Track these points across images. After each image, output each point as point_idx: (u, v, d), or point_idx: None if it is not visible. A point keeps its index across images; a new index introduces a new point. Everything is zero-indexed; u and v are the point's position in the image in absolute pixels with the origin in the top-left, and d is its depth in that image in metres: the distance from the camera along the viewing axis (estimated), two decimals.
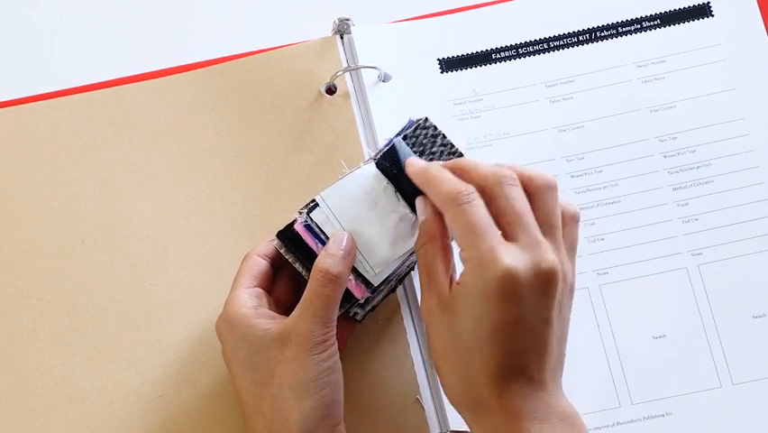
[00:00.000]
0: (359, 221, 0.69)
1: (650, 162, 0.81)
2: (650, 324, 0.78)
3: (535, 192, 0.66)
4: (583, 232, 0.79)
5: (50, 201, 0.80)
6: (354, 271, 0.68)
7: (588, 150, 0.81)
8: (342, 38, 0.84)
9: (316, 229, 0.69)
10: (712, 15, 0.84)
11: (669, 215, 0.80)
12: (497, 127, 0.82)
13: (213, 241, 0.79)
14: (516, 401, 0.62)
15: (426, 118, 0.72)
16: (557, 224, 0.66)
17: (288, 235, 0.70)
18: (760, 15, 0.84)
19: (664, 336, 0.77)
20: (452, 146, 0.71)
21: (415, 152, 0.70)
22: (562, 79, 0.83)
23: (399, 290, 0.78)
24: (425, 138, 0.71)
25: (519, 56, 0.84)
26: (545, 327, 0.63)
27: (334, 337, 0.66)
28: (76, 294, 0.78)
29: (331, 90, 0.82)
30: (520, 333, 0.62)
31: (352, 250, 0.68)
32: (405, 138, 0.71)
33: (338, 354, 0.67)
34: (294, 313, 0.67)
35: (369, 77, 0.83)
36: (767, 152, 0.81)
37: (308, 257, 0.69)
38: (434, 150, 0.71)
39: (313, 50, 0.83)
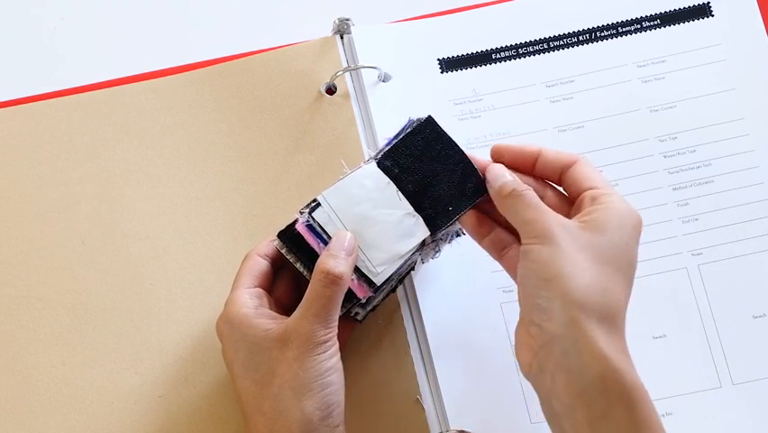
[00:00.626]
0: (361, 220, 0.69)
1: (650, 162, 0.81)
2: (650, 324, 0.78)
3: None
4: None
5: (50, 201, 0.80)
6: (356, 270, 0.68)
7: (588, 150, 0.81)
8: (342, 38, 0.84)
9: (318, 229, 0.69)
10: (712, 15, 0.84)
11: (669, 215, 0.80)
12: (497, 127, 0.82)
13: (213, 241, 0.79)
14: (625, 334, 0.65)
15: (430, 117, 0.72)
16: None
17: (289, 236, 0.70)
18: (760, 15, 0.84)
19: (664, 336, 0.77)
20: (456, 145, 0.71)
21: (415, 154, 0.71)
22: (562, 79, 0.83)
23: (399, 289, 0.78)
24: (429, 136, 0.71)
25: (519, 56, 0.84)
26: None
27: (336, 338, 0.67)
28: (76, 294, 0.78)
29: (331, 90, 0.82)
30: (634, 274, 0.67)
31: (354, 250, 0.68)
32: (408, 136, 0.71)
33: (339, 354, 0.67)
34: (295, 313, 0.67)
35: (369, 77, 0.83)
36: (767, 151, 0.81)
37: (310, 257, 0.69)
38: (437, 147, 0.71)
39: (313, 50, 0.83)
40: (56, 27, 0.88)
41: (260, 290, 0.70)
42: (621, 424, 0.61)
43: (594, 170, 0.70)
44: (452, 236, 0.74)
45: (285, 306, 0.71)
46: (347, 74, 0.83)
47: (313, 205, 0.69)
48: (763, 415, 0.76)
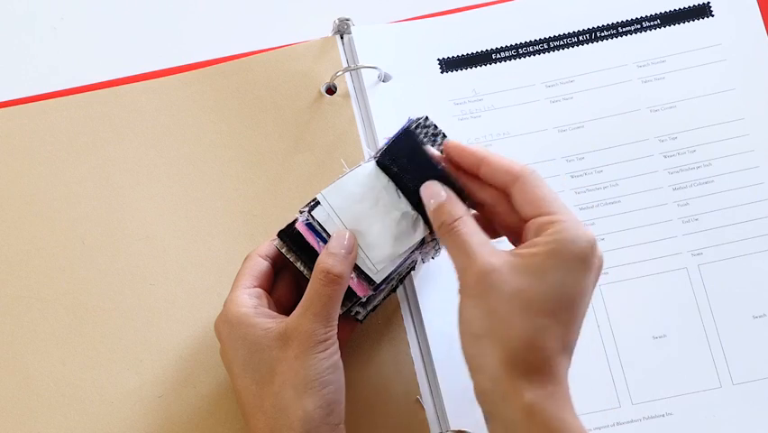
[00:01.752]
0: (360, 219, 0.69)
1: (650, 162, 0.81)
2: (650, 324, 0.78)
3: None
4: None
5: (50, 201, 0.80)
6: (356, 268, 0.68)
7: (588, 150, 0.81)
8: (342, 38, 0.84)
9: (318, 228, 0.69)
10: (712, 15, 0.84)
11: (669, 215, 0.80)
12: (497, 127, 0.82)
13: (213, 241, 0.79)
14: (563, 377, 0.63)
15: (426, 117, 0.72)
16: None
17: (289, 234, 0.70)
18: (760, 15, 0.84)
19: (664, 336, 0.77)
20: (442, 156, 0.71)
21: (414, 152, 0.70)
22: (562, 79, 0.83)
23: (399, 290, 0.78)
24: (426, 136, 0.71)
25: (519, 56, 0.84)
26: (587, 302, 0.65)
27: (336, 336, 0.67)
28: (76, 294, 0.78)
29: (331, 90, 0.82)
30: (585, 307, 0.64)
31: (353, 248, 0.68)
32: (407, 135, 0.71)
33: (339, 352, 0.67)
34: (295, 312, 0.67)
35: (369, 77, 0.83)
36: (767, 151, 0.81)
37: (310, 256, 0.69)
38: (435, 145, 0.71)
39: (313, 50, 0.83)
40: (56, 27, 0.88)
41: (260, 289, 0.70)
42: None
43: (539, 188, 0.65)
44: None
45: (285, 306, 0.71)
46: (347, 74, 0.83)
47: (312, 204, 0.69)
48: (763, 415, 0.76)
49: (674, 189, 0.80)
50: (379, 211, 0.69)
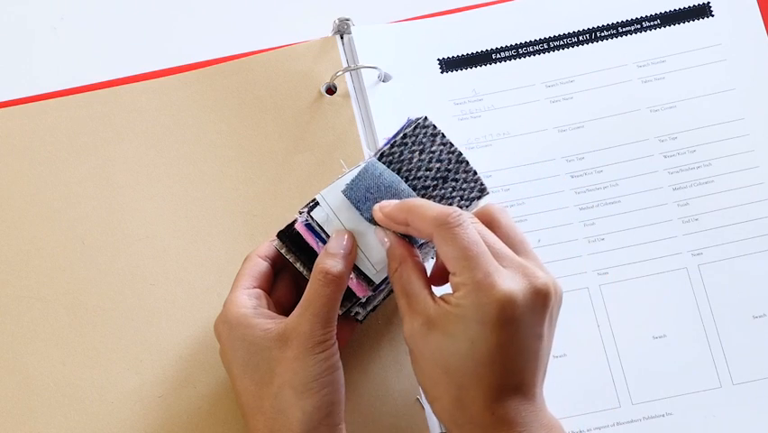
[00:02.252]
0: (360, 219, 0.69)
1: (650, 162, 0.81)
2: (650, 324, 0.78)
3: (492, 219, 0.67)
4: (583, 232, 0.79)
5: (50, 201, 0.80)
6: (356, 269, 0.68)
7: (588, 150, 0.81)
8: (342, 38, 0.84)
9: (317, 228, 0.69)
10: (712, 15, 0.84)
11: (669, 215, 0.80)
12: (497, 127, 0.82)
13: (213, 241, 0.79)
14: (510, 416, 0.63)
15: (425, 117, 0.72)
16: (525, 240, 0.67)
17: (288, 235, 0.70)
18: (760, 15, 0.84)
19: (664, 336, 0.77)
20: (451, 145, 0.71)
21: (414, 151, 0.71)
22: (562, 79, 0.83)
23: None
24: (425, 137, 0.71)
25: (519, 56, 0.84)
26: (539, 342, 0.64)
27: (335, 337, 0.67)
28: (76, 294, 0.78)
29: (331, 90, 0.82)
30: (516, 352, 0.63)
31: (352, 249, 0.68)
32: (405, 137, 0.71)
33: (338, 353, 0.67)
34: (294, 313, 0.67)
35: (369, 77, 0.83)
36: (767, 151, 0.81)
37: (309, 257, 0.69)
38: (432, 149, 0.71)
39: (313, 50, 0.83)
40: (56, 27, 0.88)
41: (259, 290, 0.70)
42: None
43: (447, 244, 0.63)
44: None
45: (285, 307, 0.71)
46: (347, 74, 0.83)
47: (311, 204, 0.69)
48: (763, 415, 0.76)
49: (674, 189, 0.80)
50: (371, 206, 0.69)
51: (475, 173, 0.71)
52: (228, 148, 0.81)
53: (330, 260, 0.67)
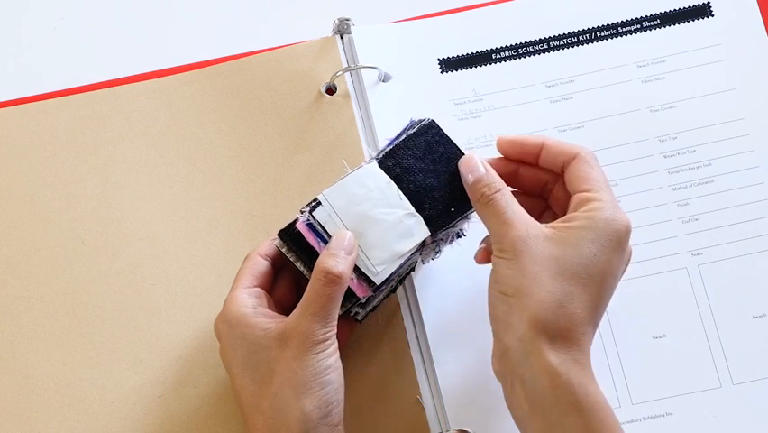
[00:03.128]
0: (361, 219, 0.69)
1: (650, 162, 0.81)
2: (650, 324, 0.78)
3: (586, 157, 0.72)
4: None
5: (50, 201, 0.80)
6: (356, 269, 0.68)
7: None
8: (342, 38, 0.84)
9: (318, 228, 0.69)
10: (712, 15, 0.84)
11: (669, 215, 0.80)
12: (497, 127, 0.82)
13: (213, 241, 0.79)
14: (587, 347, 0.66)
15: (432, 121, 0.72)
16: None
17: (289, 234, 0.70)
18: (760, 15, 0.84)
19: (664, 336, 0.77)
20: (458, 148, 0.71)
21: (417, 155, 0.71)
22: (562, 79, 0.83)
23: (399, 289, 0.78)
24: (432, 138, 0.71)
25: (519, 56, 0.84)
26: (616, 283, 0.68)
27: (335, 337, 0.67)
28: (76, 294, 0.78)
29: (331, 90, 0.82)
30: (613, 281, 0.67)
31: (353, 249, 0.68)
32: (410, 138, 0.71)
33: (338, 353, 0.67)
34: (294, 312, 0.67)
35: (369, 77, 0.83)
36: (767, 151, 0.81)
37: (310, 256, 0.69)
38: (439, 149, 0.71)
39: (313, 50, 0.83)
40: (56, 27, 0.88)
41: (260, 289, 0.70)
42: (575, 431, 0.63)
43: (592, 168, 0.70)
44: (452, 237, 0.74)
45: (285, 306, 0.71)
46: (347, 74, 0.83)
47: (313, 204, 0.69)
48: (763, 415, 0.76)
49: (674, 189, 0.80)
50: (380, 212, 0.69)
51: None
52: (228, 148, 0.81)
53: (331, 260, 0.67)
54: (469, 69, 0.83)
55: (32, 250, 0.79)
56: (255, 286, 0.70)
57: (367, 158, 0.74)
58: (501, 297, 0.66)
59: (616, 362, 0.77)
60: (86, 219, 0.80)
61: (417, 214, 0.69)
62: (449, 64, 0.84)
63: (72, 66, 0.86)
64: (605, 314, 0.78)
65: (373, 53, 0.83)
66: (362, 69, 0.83)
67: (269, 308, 0.69)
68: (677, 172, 0.81)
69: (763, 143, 0.81)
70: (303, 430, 0.65)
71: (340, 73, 0.82)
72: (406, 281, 0.78)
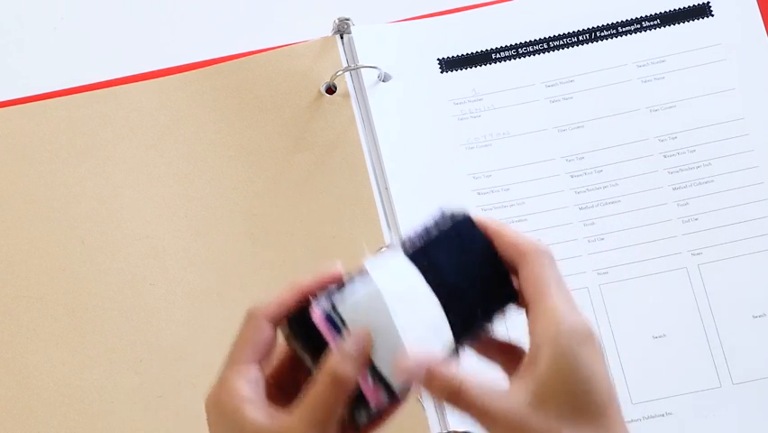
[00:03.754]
0: (387, 324, 0.58)
1: (650, 162, 0.81)
2: (650, 324, 0.78)
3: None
4: (583, 232, 0.79)
5: (50, 201, 0.80)
6: (374, 372, 0.58)
7: (588, 150, 0.81)
8: (342, 38, 0.84)
9: (338, 322, 0.59)
10: (712, 15, 0.84)
11: (669, 215, 0.80)
12: (497, 127, 0.82)
13: (213, 241, 0.79)
14: None
15: (468, 216, 0.61)
16: None
17: (300, 323, 0.60)
18: (760, 15, 0.84)
19: (664, 335, 0.77)
20: (494, 253, 0.61)
21: (450, 255, 0.61)
22: (562, 79, 0.83)
23: None
24: (465, 235, 0.61)
25: (519, 56, 0.84)
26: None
27: None
28: (76, 294, 0.78)
29: (331, 90, 0.82)
30: (607, 381, 0.57)
31: (367, 350, 0.58)
32: (443, 234, 0.61)
33: None
34: (292, 417, 0.58)
35: (369, 76, 0.83)
36: (766, 151, 0.81)
37: (318, 348, 0.59)
38: (473, 246, 0.61)
39: (313, 49, 0.83)
40: (56, 27, 0.88)
41: (258, 373, 0.60)
42: None
43: (543, 268, 0.59)
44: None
45: (282, 382, 0.62)
46: (347, 74, 0.83)
47: (334, 294, 0.59)
48: (763, 415, 0.76)
49: (674, 189, 0.80)
50: (406, 320, 0.59)
51: (507, 275, 0.61)
52: (228, 147, 0.81)
53: (344, 362, 0.57)
54: (469, 68, 0.83)
55: (31, 250, 0.79)
56: (255, 362, 0.60)
57: (387, 242, 0.65)
58: None
59: (615, 361, 0.77)
60: (86, 219, 0.80)
61: (445, 318, 0.59)
62: (449, 64, 0.84)
63: (72, 66, 0.86)
64: (605, 313, 0.78)
65: (373, 53, 0.83)
66: (362, 69, 0.83)
67: (267, 393, 0.60)
68: (677, 172, 0.81)
69: (763, 143, 0.81)
70: None
71: (340, 73, 0.82)
72: None
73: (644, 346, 0.77)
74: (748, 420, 0.76)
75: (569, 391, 0.55)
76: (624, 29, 0.84)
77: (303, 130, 0.81)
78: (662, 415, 0.76)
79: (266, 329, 0.60)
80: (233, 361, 0.61)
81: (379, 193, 0.80)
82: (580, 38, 0.84)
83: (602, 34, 0.84)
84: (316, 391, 0.57)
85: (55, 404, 0.76)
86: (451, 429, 0.74)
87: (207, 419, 0.62)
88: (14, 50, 0.87)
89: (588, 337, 0.56)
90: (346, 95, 0.82)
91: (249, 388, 0.60)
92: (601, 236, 0.79)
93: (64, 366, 0.77)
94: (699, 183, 0.80)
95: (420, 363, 0.57)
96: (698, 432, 0.75)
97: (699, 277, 0.78)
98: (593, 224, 0.80)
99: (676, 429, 0.75)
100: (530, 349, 0.56)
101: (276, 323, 0.60)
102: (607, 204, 0.80)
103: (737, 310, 0.78)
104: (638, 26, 0.84)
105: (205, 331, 0.77)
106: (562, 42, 0.84)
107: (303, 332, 0.60)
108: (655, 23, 0.84)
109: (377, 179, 0.80)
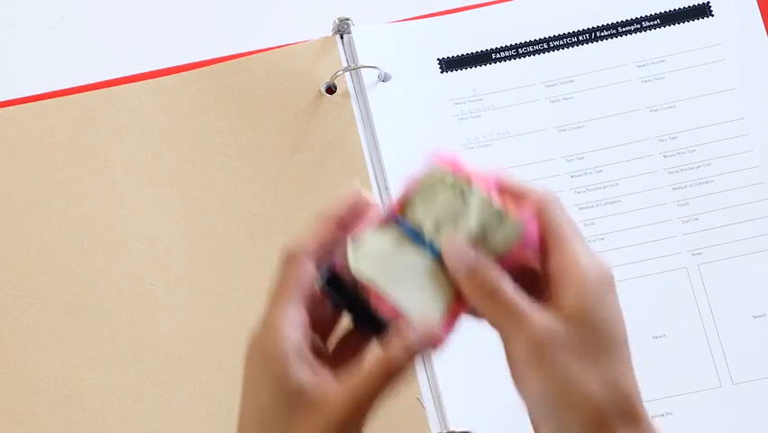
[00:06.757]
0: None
1: (650, 162, 0.81)
2: (650, 324, 0.78)
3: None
4: (583, 232, 0.79)
5: (50, 201, 0.80)
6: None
7: (588, 150, 0.81)
8: (342, 38, 0.84)
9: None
10: (712, 15, 0.84)
11: (669, 215, 0.80)
12: (497, 127, 0.82)
13: (213, 240, 0.79)
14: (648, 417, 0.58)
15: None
16: None
17: (336, 280, 0.58)
18: (760, 15, 0.84)
19: (664, 336, 0.77)
20: None
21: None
22: (562, 79, 0.83)
23: None
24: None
25: (519, 56, 0.84)
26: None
27: (368, 423, 0.58)
28: (76, 294, 0.78)
29: (331, 90, 0.82)
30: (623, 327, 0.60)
31: (424, 339, 0.57)
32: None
33: None
34: (338, 388, 0.57)
35: (369, 76, 0.83)
36: (767, 151, 0.81)
37: (355, 304, 0.58)
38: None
39: (313, 49, 0.83)
40: (56, 27, 0.88)
41: (304, 316, 0.57)
42: None
43: (556, 216, 0.58)
44: None
45: (318, 324, 0.59)
46: (347, 74, 0.83)
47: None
48: (763, 415, 0.76)
49: (674, 189, 0.80)
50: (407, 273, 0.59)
51: None
52: (228, 147, 0.81)
53: (403, 352, 0.56)
54: (469, 68, 0.83)
55: (31, 250, 0.79)
56: (300, 304, 0.57)
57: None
58: (550, 411, 0.56)
59: None
60: (86, 219, 0.80)
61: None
62: (449, 64, 0.84)
63: (72, 66, 0.86)
64: None
65: (373, 53, 0.83)
66: (362, 69, 0.83)
67: (312, 344, 0.58)
68: (677, 172, 0.81)
69: (763, 143, 0.81)
70: None
71: (340, 73, 0.82)
72: None
73: (644, 346, 0.77)
74: (748, 420, 0.76)
75: (594, 329, 0.56)
76: (624, 29, 0.84)
77: (303, 130, 0.81)
78: (662, 415, 0.76)
79: (309, 268, 0.58)
80: (278, 301, 0.57)
81: (379, 193, 0.80)
82: (580, 38, 0.84)
83: (602, 34, 0.84)
84: (370, 374, 0.56)
85: (55, 404, 0.76)
86: (451, 429, 0.74)
87: (246, 359, 0.58)
88: (15, 50, 0.87)
89: (610, 280, 0.57)
90: (346, 95, 0.82)
91: (295, 333, 0.57)
92: (601, 236, 0.79)
93: (64, 366, 0.77)
94: (699, 183, 0.80)
95: (461, 256, 0.56)
96: (698, 432, 0.75)
97: (699, 277, 0.78)
98: (593, 224, 0.80)
99: (676, 429, 0.75)
100: (551, 291, 0.56)
101: (317, 261, 0.58)
102: (607, 204, 0.80)
103: (737, 310, 0.78)
104: (638, 26, 0.84)
105: (205, 331, 0.77)
106: (562, 42, 0.84)
107: (339, 288, 0.58)
108: (655, 23, 0.84)
109: (377, 179, 0.80)
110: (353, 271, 0.57)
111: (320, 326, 0.59)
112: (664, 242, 0.79)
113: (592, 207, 0.80)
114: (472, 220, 0.58)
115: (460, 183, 0.59)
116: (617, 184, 0.80)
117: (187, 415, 0.76)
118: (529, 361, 0.56)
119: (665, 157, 0.81)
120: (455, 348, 0.78)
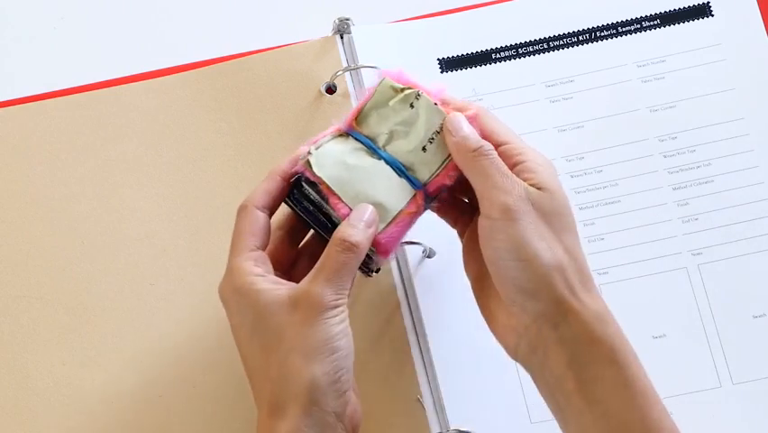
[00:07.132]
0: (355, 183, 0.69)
1: (650, 162, 0.81)
2: (650, 324, 0.78)
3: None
4: (583, 232, 0.79)
5: (50, 201, 0.80)
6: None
7: (588, 150, 0.81)
8: (342, 38, 0.84)
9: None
10: (712, 15, 0.84)
11: (669, 215, 0.80)
12: None
13: (213, 240, 0.79)
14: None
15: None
16: None
17: (297, 198, 0.69)
18: (760, 15, 0.84)
19: (664, 335, 0.77)
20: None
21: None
22: (562, 79, 0.83)
23: (399, 289, 0.78)
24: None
25: (519, 56, 0.84)
26: None
27: (346, 305, 0.65)
28: (76, 294, 0.78)
29: (331, 90, 0.82)
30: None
31: (374, 223, 0.67)
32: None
33: (348, 321, 0.65)
34: (306, 278, 0.65)
35: (369, 77, 0.83)
36: (767, 151, 0.81)
37: (320, 215, 0.68)
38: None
39: (313, 49, 0.83)
40: (56, 27, 0.88)
41: (263, 254, 0.68)
42: (610, 385, 0.63)
43: (495, 120, 0.70)
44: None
45: (281, 263, 0.70)
46: (347, 74, 0.83)
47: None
48: (763, 415, 0.76)
49: (674, 189, 0.80)
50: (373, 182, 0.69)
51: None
52: (228, 147, 0.81)
53: (350, 229, 0.65)
54: (469, 68, 0.84)
55: (31, 250, 0.79)
56: (258, 248, 0.67)
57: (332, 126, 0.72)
58: (516, 264, 0.64)
59: None
60: (86, 219, 0.80)
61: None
62: (449, 64, 0.84)
63: (72, 66, 0.86)
64: None
65: (373, 53, 0.83)
66: (362, 69, 0.83)
67: (275, 272, 0.68)
68: (677, 172, 0.81)
69: (763, 143, 0.81)
70: (311, 397, 0.63)
71: (340, 73, 0.82)
72: (406, 281, 0.78)
73: (644, 346, 0.77)
74: (748, 420, 0.76)
75: (561, 203, 0.66)
76: (624, 29, 0.84)
77: (303, 130, 0.81)
78: None
79: (260, 217, 0.68)
80: (236, 251, 0.67)
81: None
82: (580, 38, 0.84)
83: (602, 34, 0.84)
84: (327, 255, 0.65)
85: (55, 404, 0.76)
86: (451, 429, 0.74)
87: (225, 303, 0.67)
88: (14, 50, 0.87)
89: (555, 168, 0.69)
90: (346, 95, 0.82)
91: (257, 267, 0.66)
92: (601, 236, 0.79)
93: (64, 366, 0.77)
94: (699, 183, 0.80)
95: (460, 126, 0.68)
96: (698, 432, 0.75)
97: (699, 277, 0.78)
98: (593, 224, 0.80)
99: None
100: (524, 169, 0.67)
101: (268, 210, 0.68)
102: (607, 204, 0.80)
103: (737, 310, 0.78)
104: (638, 26, 0.84)
105: (206, 331, 0.77)
106: (562, 42, 0.84)
107: (302, 206, 0.68)
108: (655, 23, 0.84)
109: None
110: (315, 172, 0.67)
111: (280, 264, 0.69)
112: (664, 242, 0.79)
113: (592, 207, 0.80)
114: (422, 125, 0.68)
115: (408, 94, 0.69)
116: (616, 184, 0.80)
117: (187, 415, 0.76)
118: (509, 215, 0.65)
119: (665, 157, 0.81)
120: (455, 348, 0.78)
